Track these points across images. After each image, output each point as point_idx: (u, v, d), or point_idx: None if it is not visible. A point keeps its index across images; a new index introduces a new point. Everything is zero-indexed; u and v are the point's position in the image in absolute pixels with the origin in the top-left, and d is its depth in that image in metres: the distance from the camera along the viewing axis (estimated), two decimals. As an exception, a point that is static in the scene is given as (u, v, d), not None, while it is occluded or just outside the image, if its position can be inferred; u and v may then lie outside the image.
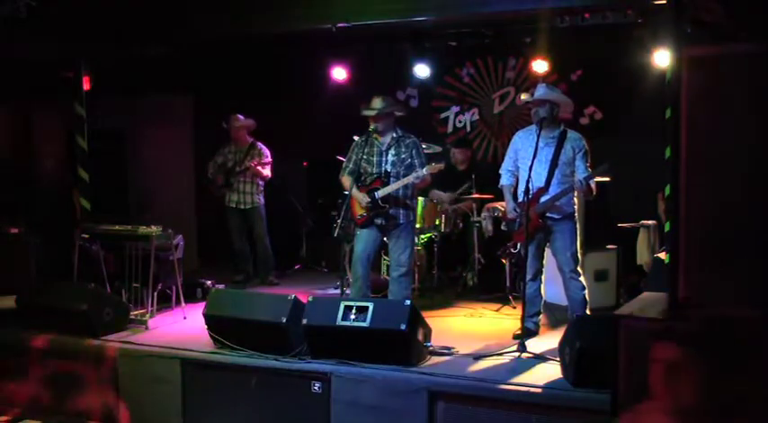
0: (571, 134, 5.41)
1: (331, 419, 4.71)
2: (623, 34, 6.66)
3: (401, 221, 5.80)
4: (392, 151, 5.83)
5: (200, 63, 8.34)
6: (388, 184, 5.75)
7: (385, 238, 5.98)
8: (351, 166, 5.93)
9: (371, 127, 5.80)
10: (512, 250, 6.74)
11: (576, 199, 5.47)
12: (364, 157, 5.86)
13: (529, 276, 5.44)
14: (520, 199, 5.36)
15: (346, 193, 5.84)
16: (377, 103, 5.78)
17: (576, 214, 5.46)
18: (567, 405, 4.20)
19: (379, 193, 5.72)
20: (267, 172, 7.67)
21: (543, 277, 5.61)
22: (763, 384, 3.24)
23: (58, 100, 8.08)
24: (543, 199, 5.34)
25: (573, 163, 5.31)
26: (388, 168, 5.81)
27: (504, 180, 5.63)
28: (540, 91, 5.41)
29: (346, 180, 5.92)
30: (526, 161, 5.34)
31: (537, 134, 5.32)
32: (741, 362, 3.30)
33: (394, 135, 5.85)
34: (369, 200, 5.74)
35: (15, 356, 5.71)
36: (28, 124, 9.52)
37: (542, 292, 5.62)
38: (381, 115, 5.75)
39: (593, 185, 5.26)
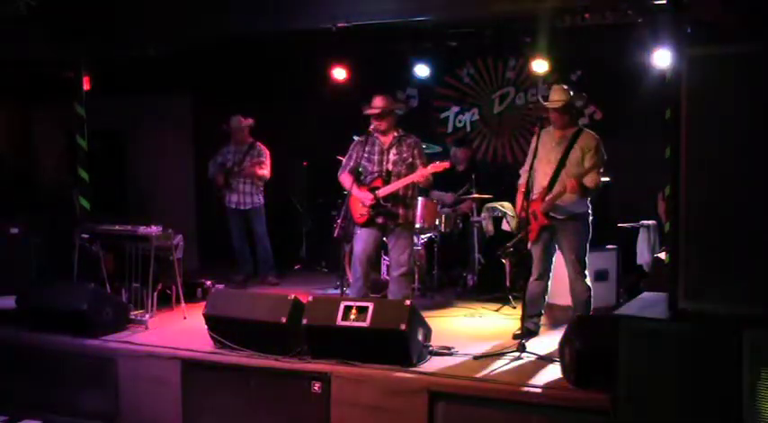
0: (585, 133, 5.39)
1: (331, 419, 4.71)
2: (623, 34, 6.66)
3: (401, 221, 5.80)
4: (394, 150, 5.83)
5: (200, 63, 8.34)
6: (389, 182, 5.75)
7: (384, 239, 5.98)
8: (351, 164, 5.93)
9: (373, 126, 5.80)
10: (511, 250, 6.78)
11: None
12: (365, 155, 5.85)
13: (534, 276, 5.44)
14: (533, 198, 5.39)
15: (345, 192, 5.84)
16: (379, 101, 5.79)
17: (588, 215, 5.42)
18: (567, 405, 4.20)
19: (381, 192, 5.72)
20: (265, 172, 7.67)
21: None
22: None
23: (57, 100, 8.08)
24: (546, 199, 5.35)
25: (582, 163, 5.29)
26: (390, 167, 5.81)
27: (521, 179, 5.62)
28: (554, 96, 5.41)
29: (346, 179, 5.92)
30: (538, 161, 5.36)
31: (538, 135, 5.35)
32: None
33: (395, 134, 5.86)
34: (370, 198, 5.74)
35: (15, 356, 5.72)
36: (28, 124, 9.52)
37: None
38: (384, 114, 5.75)
39: (587, 184, 5.21)
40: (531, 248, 5.46)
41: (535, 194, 5.42)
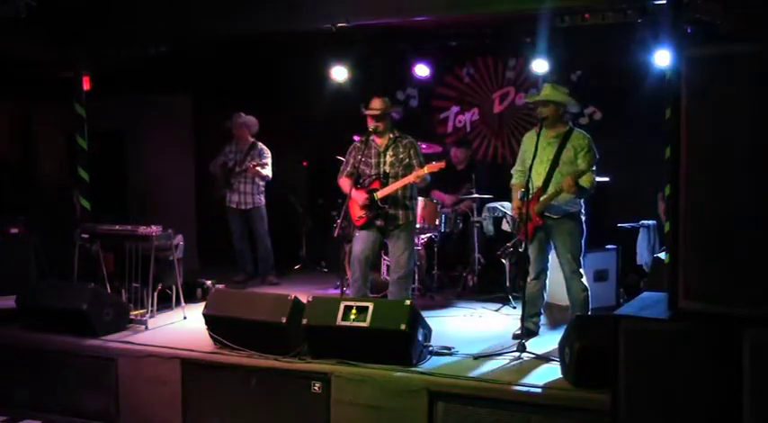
0: (576, 133, 5.39)
1: (331, 419, 4.71)
2: (623, 34, 6.66)
3: (400, 222, 5.80)
4: (390, 152, 5.84)
5: (200, 63, 8.34)
6: (386, 184, 5.75)
7: (385, 240, 5.98)
8: (348, 168, 5.94)
9: (371, 128, 5.80)
10: (511, 250, 6.78)
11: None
12: (362, 158, 5.85)
13: (531, 276, 5.44)
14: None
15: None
16: (377, 103, 5.79)
17: (581, 214, 5.42)
18: (567, 405, 4.20)
19: (379, 194, 5.72)
20: (267, 172, 7.67)
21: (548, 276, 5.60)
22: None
23: (57, 100, 8.08)
24: (541, 199, 5.35)
25: (575, 162, 5.30)
26: (387, 169, 5.81)
27: (514, 179, 5.65)
28: (545, 92, 5.42)
29: (344, 182, 5.93)
30: (528, 161, 5.36)
31: (537, 134, 5.35)
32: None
33: (391, 136, 5.86)
34: (364, 197, 5.74)
35: (15, 356, 5.71)
36: (28, 124, 9.53)
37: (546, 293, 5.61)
38: (382, 115, 5.76)
39: (584, 184, 5.21)
40: (528, 248, 5.47)
41: (531, 195, 5.43)
